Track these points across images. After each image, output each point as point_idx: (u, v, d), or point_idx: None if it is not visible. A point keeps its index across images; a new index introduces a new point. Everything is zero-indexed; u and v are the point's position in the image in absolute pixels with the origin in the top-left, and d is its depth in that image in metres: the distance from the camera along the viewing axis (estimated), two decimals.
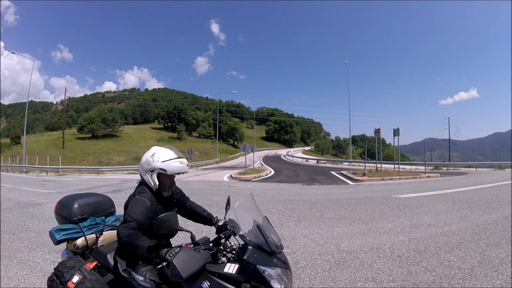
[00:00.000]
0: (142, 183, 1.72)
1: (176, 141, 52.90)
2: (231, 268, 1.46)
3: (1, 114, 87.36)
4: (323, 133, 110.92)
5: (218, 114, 45.69)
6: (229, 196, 1.98)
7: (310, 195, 8.59)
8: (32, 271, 3.16)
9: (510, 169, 17.22)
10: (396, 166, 16.52)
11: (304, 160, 33.75)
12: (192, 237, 1.71)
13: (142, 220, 1.52)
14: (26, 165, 24.29)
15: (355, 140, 76.58)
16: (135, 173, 21.32)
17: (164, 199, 1.76)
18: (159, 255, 1.47)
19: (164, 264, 1.42)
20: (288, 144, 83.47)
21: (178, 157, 1.69)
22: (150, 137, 55.30)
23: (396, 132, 16.12)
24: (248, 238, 1.55)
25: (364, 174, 14.29)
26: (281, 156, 41.51)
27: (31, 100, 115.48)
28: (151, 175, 1.67)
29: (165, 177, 1.70)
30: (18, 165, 25.31)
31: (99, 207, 2.08)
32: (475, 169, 20.31)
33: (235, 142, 66.30)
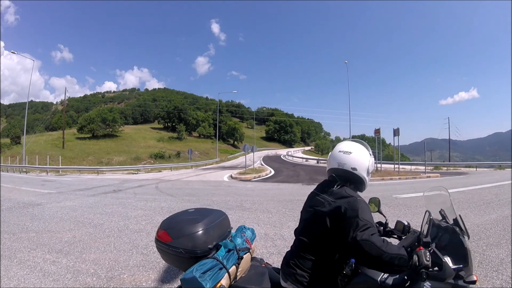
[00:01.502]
0: (345, 184, 1.39)
1: (176, 141, 52.83)
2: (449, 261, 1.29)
3: (1, 114, 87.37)
4: (323, 133, 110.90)
5: (218, 114, 45.68)
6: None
7: None
8: (32, 271, 3.15)
9: (510, 169, 17.22)
10: (396, 166, 16.55)
11: (304, 160, 33.80)
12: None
13: (374, 225, 1.24)
14: (26, 165, 24.29)
15: None
16: (135, 173, 21.33)
17: None
18: (411, 262, 1.18)
19: (424, 271, 1.17)
20: (288, 144, 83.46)
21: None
22: (150, 137, 55.16)
23: (396, 132, 16.15)
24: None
25: None
26: (281, 156, 41.54)
27: (31, 100, 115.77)
28: (369, 176, 1.46)
29: None
30: (18, 165, 25.30)
31: (222, 227, 1.51)
32: (475, 169, 20.33)
33: (235, 142, 66.29)
